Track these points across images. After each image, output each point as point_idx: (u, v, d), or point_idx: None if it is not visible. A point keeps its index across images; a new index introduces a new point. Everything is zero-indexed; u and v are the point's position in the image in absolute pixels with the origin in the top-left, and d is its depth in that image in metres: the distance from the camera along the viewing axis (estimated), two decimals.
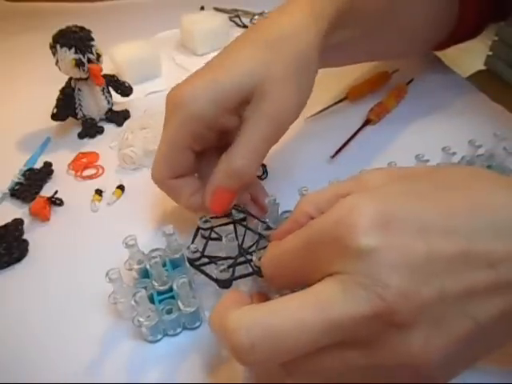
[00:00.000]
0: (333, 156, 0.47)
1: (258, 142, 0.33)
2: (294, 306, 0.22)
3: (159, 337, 0.32)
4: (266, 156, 0.34)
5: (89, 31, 0.51)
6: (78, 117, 0.53)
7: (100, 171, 0.48)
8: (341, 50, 0.42)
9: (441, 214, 0.22)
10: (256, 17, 0.76)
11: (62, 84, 0.52)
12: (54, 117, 0.52)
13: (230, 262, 0.32)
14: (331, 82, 0.57)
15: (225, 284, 0.30)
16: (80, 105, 0.52)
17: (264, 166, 0.46)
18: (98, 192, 0.44)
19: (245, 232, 0.35)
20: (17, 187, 0.45)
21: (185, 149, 0.34)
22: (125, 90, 0.55)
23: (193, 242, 0.34)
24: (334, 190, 0.27)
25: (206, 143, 0.35)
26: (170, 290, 0.32)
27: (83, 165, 0.49)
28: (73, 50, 0.49)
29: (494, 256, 0.21)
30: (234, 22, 0.75)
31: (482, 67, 0.68)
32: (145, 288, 0.31)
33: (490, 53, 0.67)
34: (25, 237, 0.40)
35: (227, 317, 0.23)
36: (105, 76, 0.53)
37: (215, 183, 0.33)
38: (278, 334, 0.21)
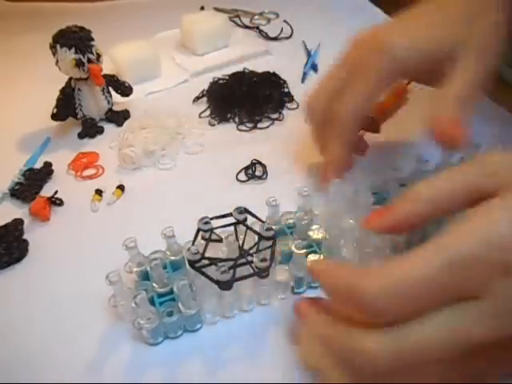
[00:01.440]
0: None
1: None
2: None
3: (160, 339, 0.32)
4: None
5: (89, 31, 0.51)
6: (78, 117, 0.53)
7: (100, 171, 0.48)
8: None
9: None
10: (256, 17, 0.76)
11: (62, 84, 0.52)
12: (54, 117, 0.52)
13: (231, 263, 0.32)
14: None
15: (225, 285, 0.30)
16: (80, 105, 0.52)
17: (264, 166, 0.46)
18: (98, 192, 0.44)
19: (245, 233, 0.35)
20: (17, 187, 0.45)
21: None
22: (125, 90, 0.55)
23: (193, 244, 0.34)
24: (453, 184, 0.25)
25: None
26: (171, 292, 0.32)
27: (83, 165, 0.49)
28: (73, 50, 0.49)
29: None
30: (234, 21, 0.75)
31: None
32: (145, 290, 0.31)
33: None
34: (25, 237, 0.40)
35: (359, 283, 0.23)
36: (105, 76, 0.53)
37: (440, 112, 0.35)
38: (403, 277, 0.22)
